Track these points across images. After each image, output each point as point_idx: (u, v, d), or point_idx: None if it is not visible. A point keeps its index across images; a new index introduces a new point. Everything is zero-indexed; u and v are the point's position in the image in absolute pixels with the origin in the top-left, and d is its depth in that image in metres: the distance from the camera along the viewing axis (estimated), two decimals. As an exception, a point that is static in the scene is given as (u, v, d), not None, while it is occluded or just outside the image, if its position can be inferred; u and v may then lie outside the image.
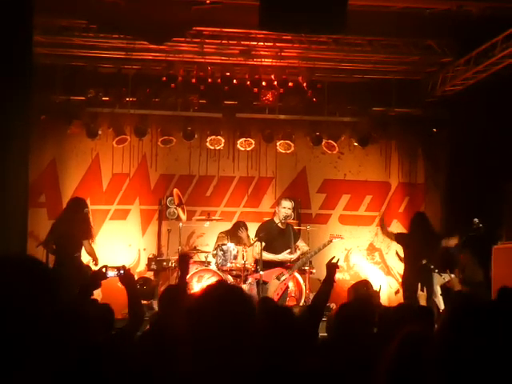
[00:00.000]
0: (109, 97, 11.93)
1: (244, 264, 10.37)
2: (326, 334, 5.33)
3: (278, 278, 10.16)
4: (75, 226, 9.85)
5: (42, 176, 12.04)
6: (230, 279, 10.38)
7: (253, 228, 10.94)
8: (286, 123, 12.49)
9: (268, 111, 12.45)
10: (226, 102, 12.24)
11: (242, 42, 11.21)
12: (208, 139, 12.26)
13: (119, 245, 12.14)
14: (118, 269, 4.60)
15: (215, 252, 10.64)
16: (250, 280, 10.22)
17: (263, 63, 11.93)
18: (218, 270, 10.47)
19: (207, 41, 11.15)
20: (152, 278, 11.44)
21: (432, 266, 9.99)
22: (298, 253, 10.33)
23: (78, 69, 11.79)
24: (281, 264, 10.28)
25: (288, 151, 12.47)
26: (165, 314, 5.15)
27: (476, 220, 10.04)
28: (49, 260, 9.50)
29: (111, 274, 4.63)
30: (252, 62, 11.83)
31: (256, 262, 10.29)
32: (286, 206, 10.27)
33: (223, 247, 10.55)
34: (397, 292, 11.29)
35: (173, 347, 2.90)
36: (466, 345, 1.61)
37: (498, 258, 10.45)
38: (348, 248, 12.71)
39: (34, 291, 1.81)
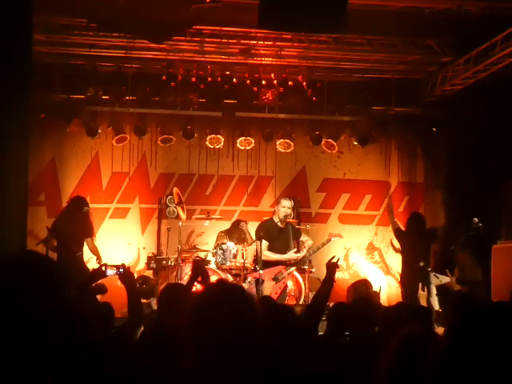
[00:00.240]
0: (108, 95, 11.92)
1: (243, 263, 10.37)
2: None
3: (275, 279, 10.15)
4: (76, 224, 9.87)
5: (42, 175, 12.04)
6: (230, 278, 10.37)
7: (252, 227, 10.94)
8: (285, 122, 12.49)
9: (268, 110, 12.45)
10: (225, 101, 12.23)
11: (242, 41, 11.21)
12: (208, 138, 12.26)
13: (119, 243, 12.14)
14: (118, 267, 4.60)
15: (215, 251, 10.64)
16: (249, 279, 10.21)
17: (263, 62, 11.93)
18: (218, 268, 10.47)
19: (207, 39, 11.15)
20: (151, 276, 11.44)
21: (429, 269, 10.00)
22: (305, 250, 10.34)
23: (78, 67, 11.78)
24: (284, 263, 10.28)
25: (288, 150, 12.47)
26: (164, 313, 5.15)
27: (476, 219, 10.05)
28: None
29: (111, 272, 4.64)
30: (252, 61, 11.83)
31: (255, 260, 10.29)
32: (286, 205, 10.27)
33: (223, 246, 10.55)
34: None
35: (174, 346, 2.91)
36: (479, 348, 1.61)
37: (497, 257, 10.47)
38: (347, 247, 12.72)
39: (44, 288, 1.81)
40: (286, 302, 9.94)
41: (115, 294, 7.40)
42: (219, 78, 11.86)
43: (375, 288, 10.79)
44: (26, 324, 1.74)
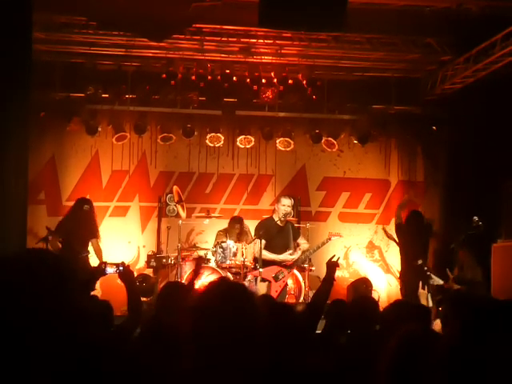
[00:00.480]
0: (108, 94, 11.92)
1: (243, 261, 10.37)
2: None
3: (276, 278, 10.15)
4: (80, 225, 9.88)
5: (42, 173, 12.04)
6: (230, 276, 10.37)
7: (252, 225, 10.94)
8: (285, 121, 12.49)
9: (268, 109, 12.45)
10: (225, 100, 12.23)
11: (242, 40, 11.20)
12: (208, 136, 12.26)
13: (119, 241, 12.14)
14: (117, 265, 4.61)
15: (214, 249, 10.65)
16: (249, 277, 10.22)
17: (263, 61, 11.93)
18: (218, 267, 10.48)
19: (207, 38, 11.14)
20: (151, 274, 11.44)
21: (426, 268, 10.01)
22: (299, 253, 10.31)
23: (78, 66, 11.78)
24: (280, 263, 10.27)
25: (287, 149, 12.47)
26: (164, 311, 5.15)
27: (475, 218, 10.05)
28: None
29: (110, 270, 4.64)
30: (252, 60, 11.82)
31: (255, 259, 10.29)
32: (286, 204, 10.27)
33: (223, 244, 10.55)
34: None
35: (173, 344, 2.91)
36: (479, 347, 1.61)
37: (497, 256, 10.47)
38: (347, 246, 12.71)
39: (45, 287, 1.81)
40: (285, 301, 9.95)
41: (115, 292, 7.40)
42: (219, 77, 11.86)
43: (374, 294, 10.78)
44: (25, 324, 1.74)
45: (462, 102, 11.75)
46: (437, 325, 7.16)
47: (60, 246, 9.95)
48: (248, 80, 11.95)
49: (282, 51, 11.56)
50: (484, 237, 10.27)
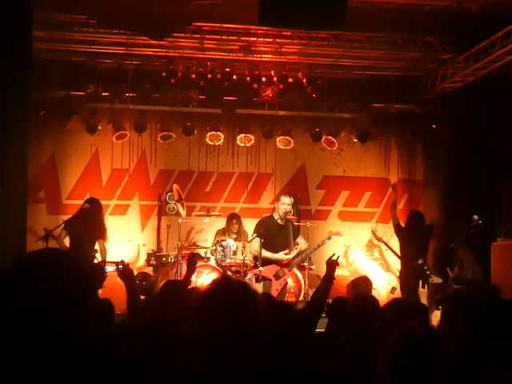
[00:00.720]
0: (108, 92, 11.92)
1: (243, 260, 10.37)
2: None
3: (276, 276, 10.15)
4: (88, 224, 9.87)
5: (42, 171, 12.05)
6: (230, 275, 10.38)
7: (252, 224, 10.94)
8: (285, 119, 12.49)
9: (268, 107, 12.44)
10: (225, 98, 12.22)
11: (242, 38, 11.20)
12: (207, 135, 12.26)
13: (119, 240, 12.14)
14: (117, 264, 4.61)
15: (214, 248, 10.65)
16: (249, 275, 10.22)
17: (263, 59, 11.93)
18: (218, 265, 10.49)
19: (207, 36, 11.14)
20: (151, 273, 11.45)
21: (425, 267, 10.01)
22: (295, 252, 10.28)
23: (78, 64, 11.77)
24: (276, 262, 10.25)
25: (287, 147, 12.47)
26: (165, 309, 5.16)
27: (475, 217, 10.04)
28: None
29: (110, 268, 4.65)
30: (252, 58, 11.82)
31: (255, 257, 10.29)
32: (286, 202, 10.25)
33: (222, 243, 10.56)
34: (392, 290, 11.28)
35: (174, 342, 2.91)
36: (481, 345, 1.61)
37: (497, 255, 10.47)
38: (347, 244, 12.72)
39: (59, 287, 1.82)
40: (286, 299, 9.95)
41: (115, 290, 7.40)
42: (219, 75, 11.86)
43: (374, 292, 10.79)
44: (36, 323, 1.75)
45: (462, 101, 11.74)
46: (435, 317, 7.18)
47: (67, 245, 9.97)
48: (248, 78, 11.95)
49: (282, 49, 11.56)
50: (484, 235, 10.26)
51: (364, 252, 12.86)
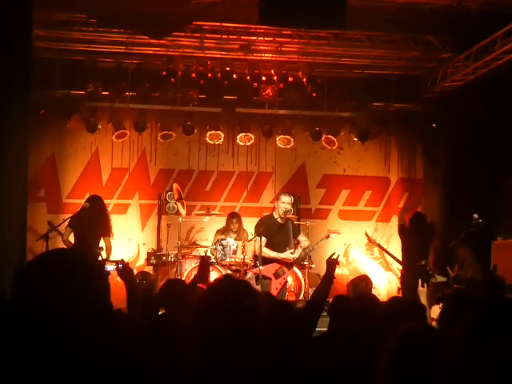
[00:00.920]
0: (108, 91, 11.92)
1: (243, 259, 10.37)
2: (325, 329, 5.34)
3: (276, 275, 10.14)
4: (96, 223, 9.86)
5: (42, 170, 12.05)
6: (231, 274, 10.37)
7: (252, 223, 10.93)
8: (285, 118, 12.49)
9: (268, 106, 12.44)
10: (225, 97, 12.22)
11: (242, 37, 11.20)
12: (207, 134, 12.26)
13: (119, 239, 12.11)
14: (117, 263, 4.61)
15: (214, 247, 10.65)
16: (249, 275, 10.21)
17: (263, 58, 11.92)
18: (218, 264, 10.49)
19: (207, 35, 11.14)
20: (151, 272, 11.45)
21: (427, 268, 10.01)
22: (300, 250, 10.28)
23: (78, 63, 11.77)
24: (280, 261, 10.24)
25: (287, 146, 12.47)
26: (165, 308, 5.16)
27: (475, 215, 10.05)
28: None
29: (110, 267, 4.64)
30: (252, 57, 11.82)
31: (255, 256, 10.29)
32: (286, 201, 10.24)
33: (222, 242, 10.56)
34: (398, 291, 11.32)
35: (174, 341, 2.90)
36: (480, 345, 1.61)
37: (497, 253, 10.47)
38: (347, 243, 12.72)
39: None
40: (285, 298, 9.95)
41: (114, 289, 7.39)
42: (219, 74, 11.86)
43: (374, 291, 10.78)
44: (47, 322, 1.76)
45: (462, 100, 11.74)
46: (434, 312, 7.19)
47: (72, 242, 9.96)
48: (248, 77, 11.95)
49: (282, 49, 11.56)
50: (484, 234, 10.27)
51: (364, 251, 12.86)
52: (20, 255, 7.98)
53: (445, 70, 11.77)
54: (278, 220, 10.20)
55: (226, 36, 11.16)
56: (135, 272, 10.25)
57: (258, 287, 9.68)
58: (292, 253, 10.15)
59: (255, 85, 12.10)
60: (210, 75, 11.85)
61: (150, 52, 11.78)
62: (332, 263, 5.22)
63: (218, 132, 12.26)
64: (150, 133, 12.39)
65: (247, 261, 10.42)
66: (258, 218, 10.67)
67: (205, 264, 5.80)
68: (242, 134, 12.37)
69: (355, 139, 12.61)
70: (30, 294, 1.79)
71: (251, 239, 10.41)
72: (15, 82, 7.84)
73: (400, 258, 10.92)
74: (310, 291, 9.91)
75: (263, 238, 9.97)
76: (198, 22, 10.75)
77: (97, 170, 12.41)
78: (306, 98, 12.29)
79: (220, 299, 2.35)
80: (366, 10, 9.47)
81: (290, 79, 12.06)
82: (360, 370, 3.03)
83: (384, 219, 12.80)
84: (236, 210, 12.12)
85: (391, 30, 10.96)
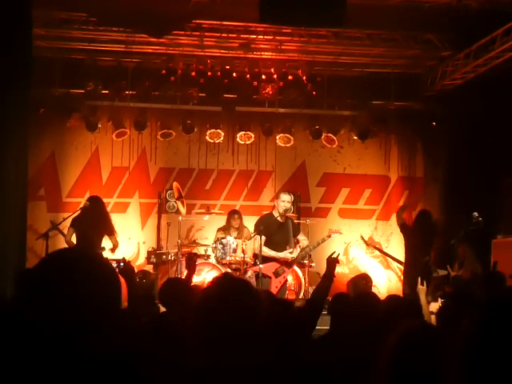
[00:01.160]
0: (108, 90, 11.92)
1: (243, 257, 10.37)
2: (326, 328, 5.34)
3: (276, 274, 10.14)
4: (97, 222, 9.86)
5: (42, 169, 12.04)
6: (231, 273, 10.37)
7: (252, 222, 10.93)
8: (285, 117, 12.48)
9: (268, 105, 12.44)
10: (225, 96, 12.22)
11: (242, 36, 11.20)
12: (207, 132, 12.26)
13: (119, 238, 12.13)
14: (118, 261, 4.61)
15: (214, 245, 10.65)
16: (249, 273, 10.21)
17: (263, 57, 11.93)
18: (218, 263, 10.49)
19: (207, 34, 11.14)
20: (151, 271, 11.45)
21: (430, 264, 10.01)
22: (298, 250, 10.26)
23: (78, 62, 11.77)
24: (279, 260, 10.23)
25: (287, 145, 12.46)
26: (166, 307, 5.17)
27: (475, 214, 10.04)
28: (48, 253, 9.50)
29: (111, 266, 4.63)
30: (252, 56, 11.82)
31: (255, 255, 10.28)
32: (286, 200, 10.23)
33: (223, 241, 10.57)
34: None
35: (175, 340, 2.91)
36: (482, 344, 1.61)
37: (497, 251, 10.47)
38: (347, 241, 12.71)
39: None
40: (285, 297, 9.94)
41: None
42: (219, 73, 11.86)
43: (374, 290, 10.78)
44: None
45: (462, 98, 11.74)
46: (434, 307, 7.19)
47: (74, 241, 9.97)
48: (248, 76, 11.95)
49: (282, 47, 11.56)
50: (484, 233, 10.27)
51: (364, 249, 12.85)
52: (20, 254, 7.99)
53: (445, 68, 11.76)
54: (278, 219, 10.19)
55: (225, 34, 11.16)
56: (135, 271, 10.25)
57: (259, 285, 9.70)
58: (291, 252, 10.14)
59: (255, 83, 12.09)
60: (209, 74, 11.85)
61: (150, 50, 11.78)
62: (332, 262, 5.22)
63: (218, 130, 12.26)
64: (149, 131, 12.38)
65: (247, 259, 10.42)
66: (258, 217, 10.66)
67: (190, 261, 5.83)
68: (241, 133, 12.37)
69: (355, 137, 12.61)
70: (50, 294, 1.79)
71: (252, 236, 10.40)
72: (15, 80, 7.84)
73: (398, 257, 10.92)
74: (310, 290, 9.91)
75: (263, 237, 9.97)
76: (197, 21, 10.75)
77: (97, 168, 12.41)
78: (305, 96, 12.29)
79: (220, 298, 2.35)
80: (365, 8, 9.46)
81: (290, 77, 12.07)
82: (360, 368, 3.03)
83: (384, 217, 12.80)
84: (236, 209, 12.12)
85: (391, 28, 10.95)
